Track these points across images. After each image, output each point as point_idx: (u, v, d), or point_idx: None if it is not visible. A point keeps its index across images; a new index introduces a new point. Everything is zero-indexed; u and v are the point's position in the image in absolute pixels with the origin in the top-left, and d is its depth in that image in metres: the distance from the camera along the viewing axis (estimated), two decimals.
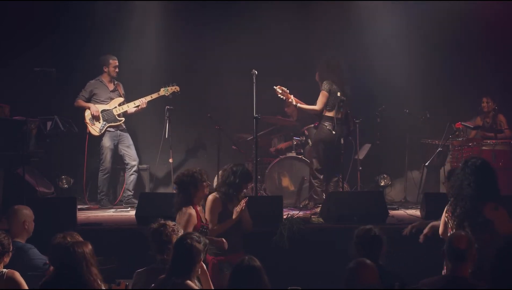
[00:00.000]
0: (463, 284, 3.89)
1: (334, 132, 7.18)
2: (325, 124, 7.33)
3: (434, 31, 9.03)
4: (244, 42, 8.87)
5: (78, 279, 3.79)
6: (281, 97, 7.43)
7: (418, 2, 8.88)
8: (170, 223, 4.52)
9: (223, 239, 5.21)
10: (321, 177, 7.42)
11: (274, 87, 7.36)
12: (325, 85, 7.34)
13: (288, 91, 7.40)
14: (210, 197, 5.38)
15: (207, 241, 4.24)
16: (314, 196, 7.46)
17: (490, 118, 8.58)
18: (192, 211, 5.10)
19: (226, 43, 9.04)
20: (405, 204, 8.32)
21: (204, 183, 5.27)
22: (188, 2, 9.08)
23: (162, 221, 4.51)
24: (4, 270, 4.32)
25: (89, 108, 8.10)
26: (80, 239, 4.33)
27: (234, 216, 5.36)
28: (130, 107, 8.23)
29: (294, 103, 7.44)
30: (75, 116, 8.27)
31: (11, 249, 4.46)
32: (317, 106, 7.37)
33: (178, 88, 8.22)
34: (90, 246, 3.95)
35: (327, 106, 7.34)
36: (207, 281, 4.27)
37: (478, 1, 8.79)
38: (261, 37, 8.89)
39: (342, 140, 7.36)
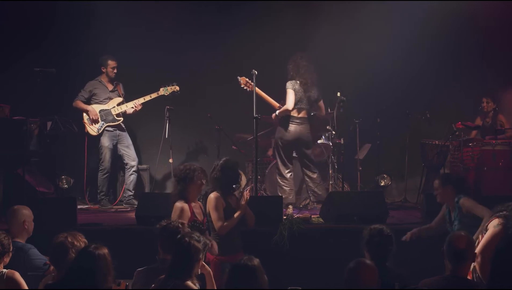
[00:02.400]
0: (463, 284, 3.89)
1: (298, 129, 7.41)
2: (289, 122, 7.48)
3: (434, 31, 9.03)
4: (244, 42, 8.87)
5: (91, 286, 3.71)
6: (244, 88, 7.54)
7: (418, 2, 8.87)
8: (186, 225, 4.62)
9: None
10: (287, 176, 7.56)
11: (238, 77, 7.48)
12: (289, 84, 7.50)
13: (252, 82, 7.34)
14: (212, 196, 5.36)
15: (207, 241, 4.24)
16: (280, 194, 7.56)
17: (490, 118, 8.59)
18: (184, 205, 5.15)
19: (226, 43, 9.05)
20: (405, 204, 8.33)
21: (199, 181, 5.29)
22: (188, 2, 9.08)
23: (180, 221, 4.60)
24: (4, 270, 4.32)
25: (87, 112, 8.09)
26: (83, 239, 4.30)
27: (240, 210, 5.35)
28: (128, 108, 8.22)
29: (262, 95, 7.62)
30: (75, 116, 8.27)
31: (11, 249, 4.46)
32: (289, 105, 7.49)
33: (177, 88, 8.20)
34: (106, 250, 3.87)
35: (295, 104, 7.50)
36: (211, 282, 4.27)
37: (479, 1, 8.79)
38: (261, 37, 8.88)
39: (342, 140, 7.41)
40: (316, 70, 7.67)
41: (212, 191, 5.42)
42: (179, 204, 5.18)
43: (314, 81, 7.62)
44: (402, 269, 4.25)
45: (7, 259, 4.43)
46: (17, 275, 4.31)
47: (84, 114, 8.12)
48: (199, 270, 4.10)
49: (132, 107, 8.18)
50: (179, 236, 4.10)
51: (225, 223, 5.28)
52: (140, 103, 8.19)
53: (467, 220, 5.43)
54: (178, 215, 5.07)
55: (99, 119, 8.10)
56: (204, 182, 5.38)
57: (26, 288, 4.31)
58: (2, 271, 4.31)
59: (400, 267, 4.29)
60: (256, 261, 3.65)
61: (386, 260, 4.20)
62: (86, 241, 4.25)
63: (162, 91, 8.18)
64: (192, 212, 5.20)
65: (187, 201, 5.24)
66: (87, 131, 8.13)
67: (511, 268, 3.54)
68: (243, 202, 5.34)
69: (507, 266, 3.55)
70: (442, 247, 4.10)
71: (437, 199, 5.76)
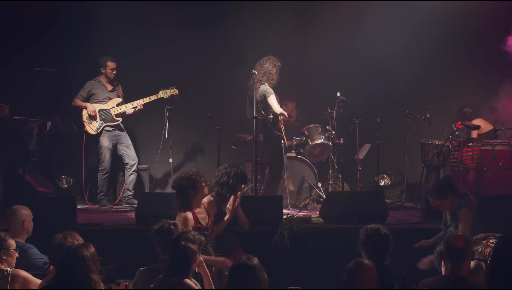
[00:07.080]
0: (462, 284, 3.89)
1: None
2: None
3: (434, 31, 9.04)
4: (244, 42, 8.86)
5: (77, 284, 3.71)
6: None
7: (419, 2, 8.88)
8: (179, 224, 4.55)
9: (226, 260, 5.13)
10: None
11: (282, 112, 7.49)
12: None
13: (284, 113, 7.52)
14: (205, 200, 5.33)
15: (203, 238, 4.25)
16: None
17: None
18: (188, 215, 5.03)
19: (226, 43, 9.05)
20: (405, 204, 8.33)
21: (203, 184, 5.22)
22: (187, 3, 9.08)
23: (172, 221, 4.52)
24: (8, 269, 4.36)
25: (85, 108, 8.10)
26: (80, 239, 4.30)
27: (227, 215, 5.33)
28: (128, 108, 8.22)
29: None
30: (75, 116, 8.27)
31: (10, 250, 4.47)
32: None
33: (177, 91, 8.20)
34: (91, 250, 3.83)
35: None
36: (209, 282, 4.27)
37: (479, 1, 8.79)
38: (261, 37, 8.88)
39: (342, 140, 7.40)
40: (260, 69, 7.39)
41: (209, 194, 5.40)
42: (182, 214, 5.04)
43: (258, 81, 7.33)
44: (401, 269, 4.25)
45: (11, 260, 4.44)
46: (23, 272, 4.36)
47: (83, 112, 8.12)
48: (197, 268, 4.12)
49: (134, 107, 8.16)
50: (175, 239, 4.11)
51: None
52: (144, 102, 8.18)
53: None
54: (182, 225, 4.95)
55: (98, 117, 8.10)
56: (207, 185, 5.31)
57: (35, 280, 4.35)
58: (6, 270, 4.34)
59: (400, 267, 4.29)
60: (255, 260, 3.67)
61: (385, 260, 4.20)
62: (82, 240, 4.24)
63: (161, 94, 8.17)
64: (196, 219, 5.11)
65: (191, 208, 5.11)
66: (86, 130, 8.12)
67: (510, 268, 3.55)
68: (229, 207, 5.32)
69: (506, 267, 3.55)
70: (440, 248, 4.11)
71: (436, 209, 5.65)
